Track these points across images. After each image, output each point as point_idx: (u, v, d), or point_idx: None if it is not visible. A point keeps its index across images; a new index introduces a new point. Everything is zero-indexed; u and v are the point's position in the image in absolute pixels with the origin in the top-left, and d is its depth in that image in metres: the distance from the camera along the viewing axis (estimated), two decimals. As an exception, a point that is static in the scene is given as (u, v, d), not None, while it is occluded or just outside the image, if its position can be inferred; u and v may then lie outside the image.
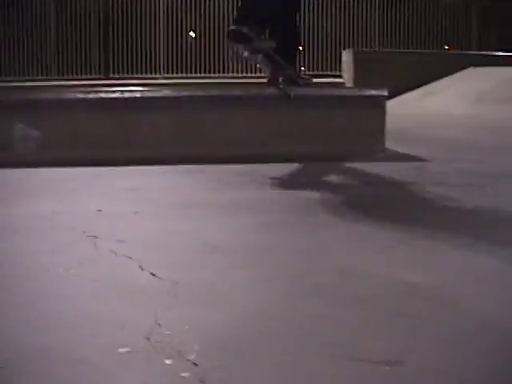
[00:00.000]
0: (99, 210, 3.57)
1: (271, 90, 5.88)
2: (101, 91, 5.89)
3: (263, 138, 5.60)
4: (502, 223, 3.40)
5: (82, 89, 6.13)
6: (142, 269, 2.57)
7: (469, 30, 16.79)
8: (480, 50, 15.67)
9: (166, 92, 5.95)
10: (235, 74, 16.64)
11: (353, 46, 15.83)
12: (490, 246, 2.94)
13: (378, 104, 5.83)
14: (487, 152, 6.20)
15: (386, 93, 5.93)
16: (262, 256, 2.82)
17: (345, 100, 5.83)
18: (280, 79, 5.78)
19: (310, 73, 16.24)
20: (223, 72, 16.77)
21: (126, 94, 5.73)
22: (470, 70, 12.96)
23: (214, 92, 5.98)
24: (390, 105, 11.78)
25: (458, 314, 2.12)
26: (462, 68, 13.26)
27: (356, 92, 5.86)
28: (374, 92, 5.93)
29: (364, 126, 5.70)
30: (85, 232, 3.11)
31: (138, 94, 5.82)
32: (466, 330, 1.98)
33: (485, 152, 6.19)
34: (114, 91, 5.78)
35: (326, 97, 5.84)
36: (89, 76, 15.24)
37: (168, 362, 1.77)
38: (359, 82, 12.91)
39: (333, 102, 5.81)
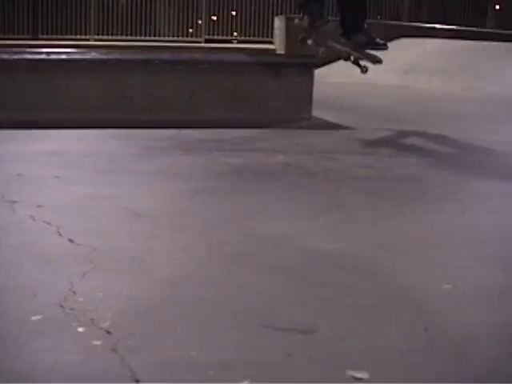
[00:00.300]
0: (19, 174, 3.50)
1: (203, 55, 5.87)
2: (26, 52, 5.76)
3: (190, 103, 5.56)
4: (421, 195, 3.45)
5: (6, 49, 5.96)
6: (61, 235, 2.54)
7: (400, 1, 16.89)
8: (411, 21, 15.80)
9: (93, 54, 5.85)
10: (167, 38, 16.46)
11: (286, 13, 15.78)
12: (409, 216, 2.98)
13: (307, 72, 5.83)
14: (413, 122, 6.28)
15: (314, 61, 5.94)
16: (184, 223, 2.81)
17: (273, 67, 5.81)
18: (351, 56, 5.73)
19: (242, 38, 16.20)
20: (155, 35, 16.56)
21: (53, 56, 5.61)
22: (401, 41, 13.06)
23: (142, 55, 5.92)
24: (320, 73, 11.82)
25: (373, 282, 2.16)
26: (393, 38, 13.35)
27: (284, 59, 5.85)
28: (302, 60, 5.93)
29: (291, 93, 5.70)
30: (3, 196, 3.05)
31: (64, 56, 5.70)
32: (379, 299, 2.02)
33: (411, 122, 6.27)
34: (40, 53, 5.66)
35: (254, 63, 5.82)
36: (16, 36, 14.87)
37: (80, 330, 1.76)
38: (291, 49, 12.89)
39: (261, 69, 5.80)
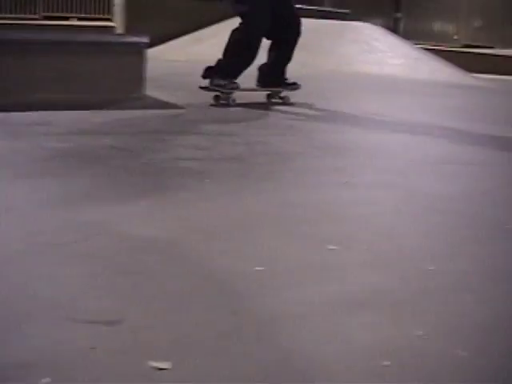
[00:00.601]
0: None
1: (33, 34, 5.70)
2: None
3: (19, 84, 5.35)
4: (244, 174, 3.44)
5: None
6: None
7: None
8: None
9: None
10: (2, 14, 15.82)
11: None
12: (229, 197, 2.97)
13: (138, 51, 5.74)
14: (243, 100, 6.31)
15: (146, 40, 5.86)
16: (-1, 214, 2.69)
17: (105, 46, 5.69)
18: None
19: (82, 15, 15.79)
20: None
21: None
22: (237, 20, 13.11)
23: (-34, 35, 5.65)
24: (159, 50, 11.73)
25: (185, 267, 2.14)
26: (232, 16, 13.41)
27: (116, 38, 5.74)
28: (133, 39, 5.85)
29: (124, 73, 5.58)
30: None
31: None
32: (189, 284, 2.00)
33: (241, 100, 6.30)
34: None
35: (86, 43, 5.68)
36: None
37: None
38: (131, 27, 12.72)
39: (93, 48, 5.66)
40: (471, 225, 2.83)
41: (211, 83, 5.95)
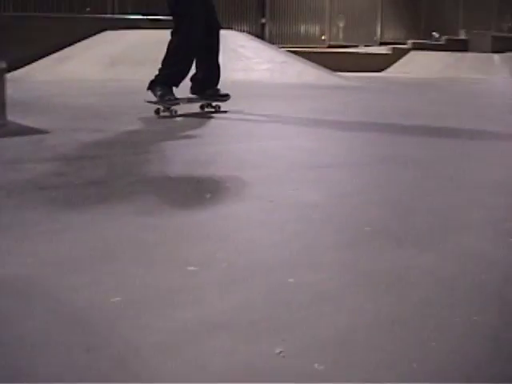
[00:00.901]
0: None
1: None
2: None
3: None
4: (105, 199, 3.36)
5: None
6: None
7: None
8: (114, 13, 15.74)
9: None
10: None
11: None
12: (90, 225, 2.88)
13: (-4, 76, 5.59)
14: (114, 120, 6.26)
15: (4, 65, 5.71)
16: None
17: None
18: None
19: None
20: None
21: None
22: (105, 34, 13.00)
23: None
24: (26, 72, 11.50)
25: (41, 305, 2.06)
26: (99, 31, 13.27)
27: (-30, 66, 5.54)
28: (-9, 63, 5.67)
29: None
30: None
31: None
32: (45, 324, 1.93)
33: (112, 120, 6.25)
34: None
35: None
36: None
37: None
38: (-6, 49, 12.39)
39: None
40: (333, 231, 2.87)
41: (153, 94, 6.40)
